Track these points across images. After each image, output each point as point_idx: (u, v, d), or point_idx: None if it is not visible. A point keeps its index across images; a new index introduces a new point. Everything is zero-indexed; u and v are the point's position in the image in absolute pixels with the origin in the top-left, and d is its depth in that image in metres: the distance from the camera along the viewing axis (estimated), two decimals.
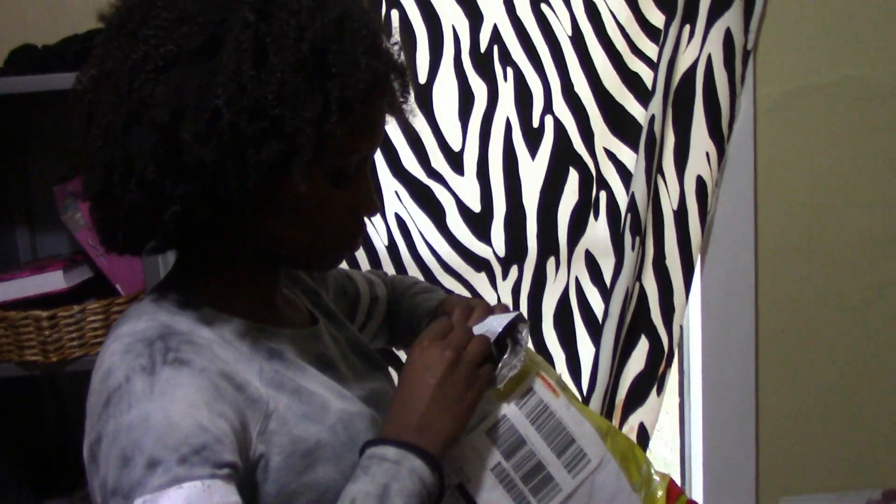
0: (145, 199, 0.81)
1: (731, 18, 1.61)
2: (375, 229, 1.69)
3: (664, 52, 1.61)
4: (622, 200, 1.69)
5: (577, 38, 1.64)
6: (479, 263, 1.71)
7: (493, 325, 0.98)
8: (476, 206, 1.69)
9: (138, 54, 0.81)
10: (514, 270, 1.72)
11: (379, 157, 1.66)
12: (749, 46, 1.65)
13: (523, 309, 1.73)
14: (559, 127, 1.66)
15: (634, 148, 1.67)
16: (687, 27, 1.62)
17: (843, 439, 1.82)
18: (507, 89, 1.66)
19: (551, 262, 1.72)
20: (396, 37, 0.93)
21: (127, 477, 0.76)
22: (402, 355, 1.53)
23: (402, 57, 0.93)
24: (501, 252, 1.71)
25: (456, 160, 1.68)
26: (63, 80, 1.30)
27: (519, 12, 1.63)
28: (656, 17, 1.64)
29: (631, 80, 1.66)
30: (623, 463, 1.01)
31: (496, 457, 0.97)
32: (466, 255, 1.71)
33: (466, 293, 1.72)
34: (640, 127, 1.65)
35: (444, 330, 0.96)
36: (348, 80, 0.82)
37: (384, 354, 1.43)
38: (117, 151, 0.81)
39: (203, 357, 0.83)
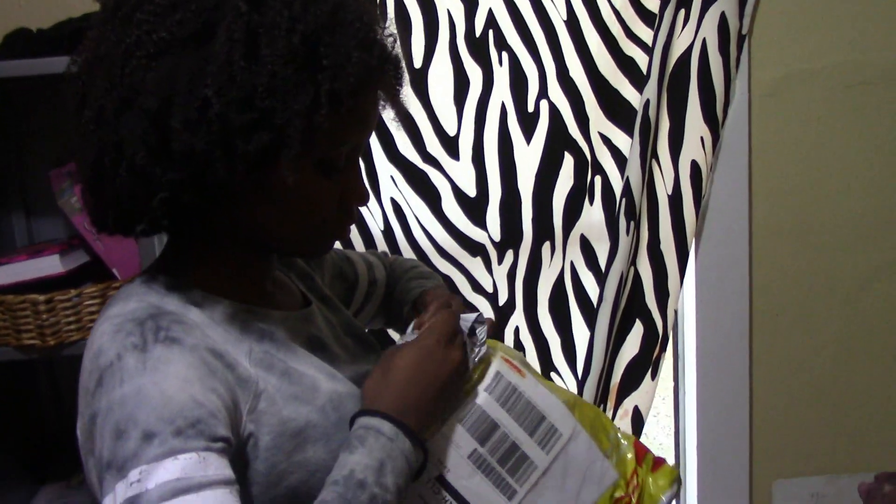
0: (135, 183, 0.82)
1: (726, 3, 1.61)
2: (371, 214, 1.70)
3: (659, 36, 1.61)
4: (617, 185, 1.69)
5: (572, 23, 1.64)
6: (475, 248, 1.72)
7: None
8: (471, 191, 1.69)
9: (131, 39, 0.81)
10: (509, 255, 1.72)
11: (374, 142, 1.66)
12: (744, 31, 1.66)
13: (518, 293, 1.74)
14: (554, 111, 1.67)
15: (629, 132, 1.67)
16: (682, 12, 1.62)
17: (837, 423, 1.83)
18: (502, 74, 1.66)
19: (546, 246, 1.72)
20: (392, 28, 0.93)
21: (121, 449, 0.76)
22: (397, 337, 1.54)
23: (398, 48, 0.93)
24: (497, 236, 1.71)
25: (451, 145, 1.68)
26: (58, 64, 1.30)
27: None
28: (651, 2, 1.64)
29: (626, 64, 1.66)
30: (592, 432, 1.03)
31: (471, 444, 0.98)
32: (462, 240, 1.71)
33: (462, 278, 1.72)
34: (634, 111, 1.65)
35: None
36: (339, 72, 0.82)
37: (380, 336, 1.44)
38: (109, 136, 0.82)
39: (193, 336, 0.84)
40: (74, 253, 1.52)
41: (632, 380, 1.73)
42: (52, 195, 1.51)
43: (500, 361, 1.02)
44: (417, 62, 1.65)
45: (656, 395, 1.78)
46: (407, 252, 1.71)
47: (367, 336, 1.12)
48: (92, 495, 0.82)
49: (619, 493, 1.02)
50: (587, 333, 1.72)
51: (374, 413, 0.89)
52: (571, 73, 1.66)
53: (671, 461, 1.55)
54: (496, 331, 1.08)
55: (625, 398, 1.73)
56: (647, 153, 1.64)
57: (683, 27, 1.63)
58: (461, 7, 1.64)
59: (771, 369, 1.81)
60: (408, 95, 0.97)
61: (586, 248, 1.73)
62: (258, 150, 0.80)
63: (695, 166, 1.67)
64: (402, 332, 1.07)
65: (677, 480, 1.06)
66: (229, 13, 0.80)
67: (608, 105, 1.67)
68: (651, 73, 1.62)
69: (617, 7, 1.64)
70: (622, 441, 1.06)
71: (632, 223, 1.63)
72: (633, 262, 1.69)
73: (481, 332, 1.01)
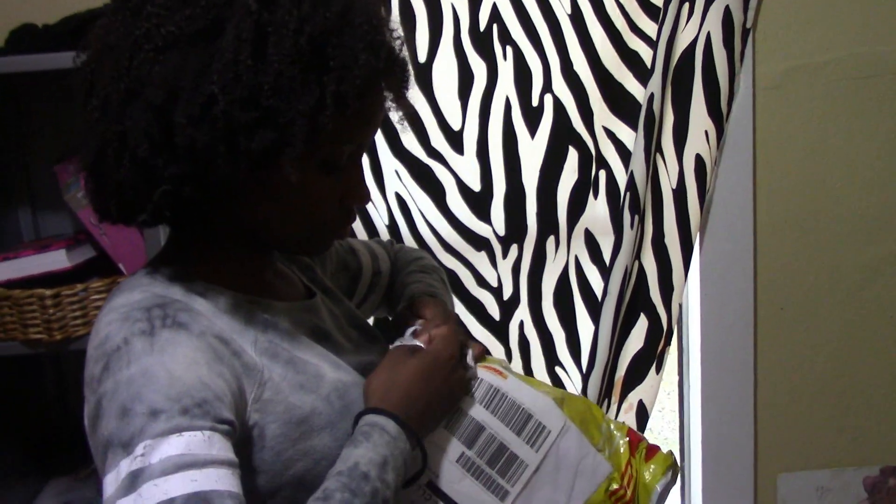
0: (136, 175, 0.82)
1: None
2: (376, 208, 1.70)
3: (663, 30, 1.61)
4: (621, 179, 1.70)
5: (577, 17, 1.64)
6: (479, 242, 1.72)
7: None
8: (476, 186, 1.70)
9: (140, 31, 0.82)
10: (513, 249, 1.73)
11: (379, 136, 1.67)
12: (748, 24, 1.65)
13: (523, 288, 1.74)
14: (558, 106, 1.67)
15: (633, 127, 1.67)
16: (686, 5, 1.62)
17: (842, 417, 1.83)
18: (506, 68, 1.66)
19: (551, 240, 1.72)
20: (399, 31, 0.93)
21: (126, 427, 0.76)
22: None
23: (405, 51, 0.93)
24: (501, 231, 1.71)
25: (455, 139, 1.68)
26: (64, 60, 1.29)
27: None
28: None
29: (630, 58, 1.66)
30: (583, 426, 1.03)
31: (459, 448, 0.98)
32: (466, 234, 1.71)
33: (467, 272, 1.73)
34: (639, 105, 1.65)
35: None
36: (346, 74, 0.83)
37: (383, 325, 1.45)
38: (113, 126, 0.82)
39: (200, 323, 0.85)
40: (81, 248, 1.53)
41: (636, 374, 1.73)
42: (58, 190, 1.52)
43: (478, 368, 1.03)
44: (422, 57, 1.65)
45: (661, 391, 1.78)
46: (412, 246, 1.71)
47: (371, 327, 1.12)
48: (100, 487, 0.82)
49: (614, 486, 1.02)
50: (592, 327, 1.72)
51: (381, 412, 0.90)
52: (576, 68, 1.66)
53: (676, 454, 1.55)
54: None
55: (629, 392, 1.73)
56: (652, 147, 1.64)
57: (688, 21, 1.62)
58: (465, 1, 1.64)
59: (775, 363, 1.81)
60: (412, 90, 0.97)
61: (591, 242, 1.73)
62: (261, 148, 0.81)
63: (699, 160, 1.66)
64: (397, 330, 1.07)
65: (673, 467, 1.06)
66: (238, 11, 0.81)
67: (612, 99, 1.67)
68: (655, 67, 1.62)
69: (621, 1, 1.64)
70: (615, 432, 1.06)
71: (636, 217, 1.63)
72: (637, 256, 1.69)
73: (469, 357, 1.03)
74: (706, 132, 1.66)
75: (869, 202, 1.76)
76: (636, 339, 1.72)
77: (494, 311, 1.75)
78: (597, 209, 1.72)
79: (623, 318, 1.69)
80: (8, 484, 1.61)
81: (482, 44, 1.65)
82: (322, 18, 0.82)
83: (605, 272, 1.69)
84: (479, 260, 1.73)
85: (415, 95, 1.62)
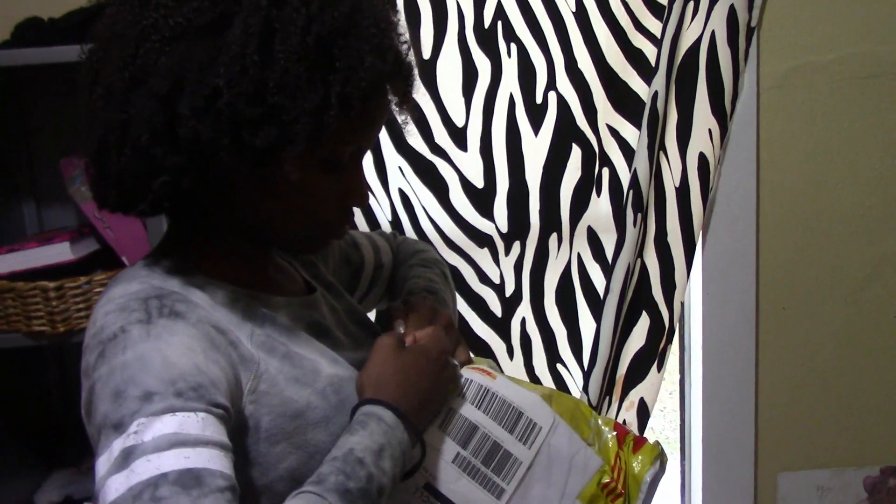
0: (137, 164, 0.82)
1: None
2: (379, 204, 1.70)
3: (668, 28, 1.61)
4: (624, 177, 1.70)
5: (581, 14, 1.64)
6: (482, 239, 1.72)
7: None
8: (479, 182, 1.70)
9: (148, 21, 0.82)
10: (516, 246, 1.73)
11: (383, 133, 1.67)
12: (752, 23, 1.65)
13: (525, 285, 1.74)
14: (562, 103, 1.67)
15: (637, 124, 1.67)
16: (691, 4, 1.62)
17: (842, 416, 1.84)
18: (510, 65, 1.66)
19: (553, 238, 1.73)
20: (407, 35, 0.93)
21: (120, 409, 0.76)
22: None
23: (411, 56, 0.93)
24: (504, 228, 1.72)
25: (459, 136, 1.68)
26: (69, 53, 1.31)
27: None
28: None
29: (634, 56, 1.66)
30: (573, 422, 1.03)
31: (454, 448, 0.99)
32: (469, 231, 1.72)
33: (469, 269, 1.73)
34: (642, 103, 1.65)
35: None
36: (351, 75, 0.83)
37: (382, 318, 1.45)
38: (116, 114, 0.82)
39: (197, 313, 0.85)
40: (84, 241, 1.53)
41: (638, 372, 1.73)
42: (62, 183, 1.52)
43: (466, 370, 1.04)
44: (426, 53, 1.65)
45: (664, 390, 1.78)
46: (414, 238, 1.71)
47: (371, 322, 1.13)
48: None
49: (605, 479, 1.02)
50: (594, 325, 1.72)
51: (378, 402, 0.89)
52: (580, 65, 1.66)
53: (677, 454, 1.55)
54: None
55: (630, 390, 1.73)
56: (655, 145, 1.64)
57: (692, 19, 1.62)
58: None
59: (777, 362, 1.81)
60: (417, 87, 0.97)
61: (593, 239, 1.73)
62: (263, 144, 0.81)
63: (702, 159, 1.67)
64: (386, 326, 1.08)
65: (660, 457, 1.06)
66: (247, 6, 0.81)
67: (616, 97, 1.67)
68: (659, 66, 1.62)
69: None
70: (603, 427, 1.07)
71: (639, 215, 1.64)
72: (639, 254, 1.69)
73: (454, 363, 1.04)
74: (710, 131, 1.66)
75: (872, 201, 1.76)
76: (638, 336, 1.72)
77: (496, 307, 1.75)
78: (600, 207, 1.72)
79: (625, 316, 1.69)
80: (10, 476, 1.61)
81: (486, 41, 1.65)
82: (330, 18, 0.82)
83: (608, 270, 1.70)
84: (482, 256, 1.73)
85: (419, 92, 1.63)
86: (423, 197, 1.70)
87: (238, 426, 0.85)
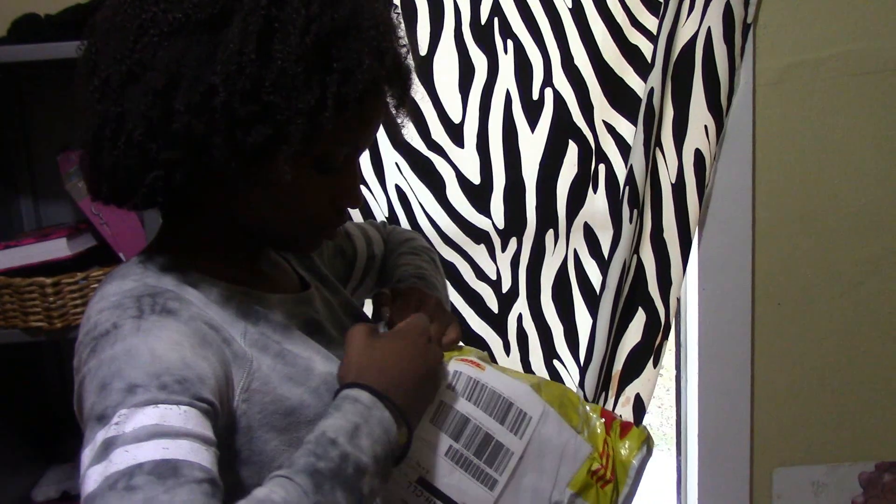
0: (131, 158, 0.82)
1: None
2: (376, 200, 1.71)
3: (664, 25, 1.61)
4: (621, 173, 1.70)
5: (577, 11, 1.64)
6: (479, 235, 1.73)
7: None
8: (476, 179, 1.70)
9: (147, 15, 0.82)
10: (512, 242, 1.73)
11: (379, 129, 1.67)
12: (749, 20, 1.66)
13: (521, 281, 1.75)
14: (559, 100, 1.67)
15: (633, 121, 1.67)
16: (687, 0, 1.62)
17: (838, 412, 1.84)
18: (507, 62, 1.66)
19: (550, 234, 1.73)
20: (405, 39, 0.93)
21: (104, 400, 0.76)
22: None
23: (410, 59, 0.93)
24: (501, 224, 1.72)
25: (456, 132, 1.69)
26: (66, 49, 1.31)
27: None
28: None
29: (630, 53, 1.67)
30: (562, 410, 1.04)
31: (446, 441, 0.98)
32: (466, 227, 1.72)
33: (466, 265, 1.73)
34: (639, 100, 1.66)
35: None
36: (349, 77, 0.83)
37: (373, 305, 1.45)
38: (112, 107, 0.82)
39: (190, 310, 0.85)
40: (82, 237, 1.53)
41: (634, 367, 1.73)
42: (59, 179, 1.53)
43: (455, 362, 1.03)
44: (423, 50, 1.65)
45: (660, 387, 1.78)
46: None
47: (367, 317, 1.12)
48: None
49: (595, 466, 1.02)
50: (590, 321, 1.73)
51: (354, 385, 0.87)
52: (576, 62, 1.66)
53: (672, 450, 1.55)
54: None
55: (626, 386, 1.74)
56: (651, 142, 1.64)
57: (688, 16, 1.63)
58: None
59: (772, 358, 1.82)
60: (415, 90, 0.97)
61: (590, 236, 1.74)
62: (257, 143, 0.81)
63: (698, 155, 1.67)
64: (375, 316, 1.08)
65: (647, 441, 1.06)
66: (247, 4, 0.81)
67: (612, 93, 1.68)
68: (655, 62, 1.62)
69: None
70: (591, 414, 1.07)
71: (635, 211, 1.64)
72: (636, 250, 1.69)
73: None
74: (706, 127, 1.66)
75: (868, 198, 1.76)
76: (634, 332, 1.73)
77: (493, 303, 1.75)
78: (596, 203, 1.72)
79: (621, 312, 1.70)
80: (8, 471, 1.61)
81: (483, 37, 1.66)
82: (330, 19, 0.82)
83: (604, 266, 1.70)
84: (479, 253, 1.74)
85: (415, 88, 1.63)
86: (419, 193, 1.70)
87: (230, 424, 0.85)
